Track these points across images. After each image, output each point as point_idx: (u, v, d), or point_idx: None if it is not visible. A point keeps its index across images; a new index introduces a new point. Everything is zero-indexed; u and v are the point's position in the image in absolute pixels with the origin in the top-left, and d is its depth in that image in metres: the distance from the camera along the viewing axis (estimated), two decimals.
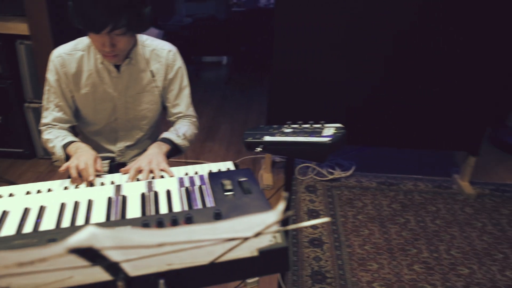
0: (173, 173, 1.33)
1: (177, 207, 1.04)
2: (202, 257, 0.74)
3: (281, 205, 0.55)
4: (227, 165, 1.36)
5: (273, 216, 0.55)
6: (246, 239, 0.64)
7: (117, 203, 1.08)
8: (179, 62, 1.63)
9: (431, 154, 3.27)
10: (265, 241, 0.72)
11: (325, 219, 0.58)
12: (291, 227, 0.65)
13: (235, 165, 1.38)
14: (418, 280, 2.07)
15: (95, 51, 1.48)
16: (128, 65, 1.52)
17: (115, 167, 1.65)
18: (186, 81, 1.68)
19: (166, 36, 4.34)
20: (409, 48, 2.42)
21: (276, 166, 2.97)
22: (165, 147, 1.52)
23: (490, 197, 2.76)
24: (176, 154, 1.62)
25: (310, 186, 2.82)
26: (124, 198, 1.10)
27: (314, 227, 2.41)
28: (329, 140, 1.15)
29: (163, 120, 1.76)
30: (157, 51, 1.59)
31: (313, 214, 2.52)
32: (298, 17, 2.36)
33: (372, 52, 2.44)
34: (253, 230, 0.58)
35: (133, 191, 1.14)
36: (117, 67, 1.51)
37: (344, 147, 3.14)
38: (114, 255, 0.62)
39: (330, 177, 2.87)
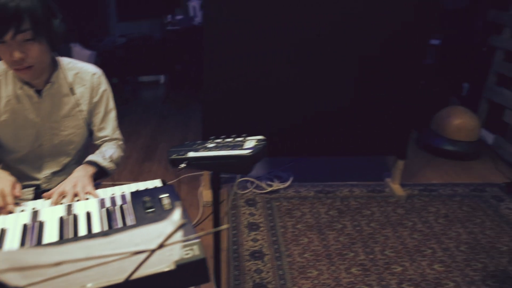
0: (99, 195, 1.31)
1: (96, 228, 1.03)
2: (115, 275, 0.74)
3: (177, 214, 0.56)
4: (155, 183, 1.36)
5: (170, 225, 0.56)
6: (153, 251, 0.65)
7: (33, 229, 1.05)
8: (104, 85, 1.62)
9: (365, 160, 3.43)
10: (177, 253, 0.73)
11: (225, 226, 0.60)
12: (192, 236, 0.67)
13: (163, 182, 1.38)
14: (355, 282, 2.15)
15: (13, 76, 1.44)
16: (50, 89, 1.48)
17: (41, 194, 1.59)
18: (112, 104, 1.67)
19: (99, 57, 4.25)
20: (336, 61, 2.54)
21: None
22: (91, 170, 1.49)
23: (419, 197, 2.94)
24: (102, 177, 1.60)
25: (250, 199, 2.85)
26: (41, 224, 1.07)
27: (254, 239, 2.43)
28: (249, 152, 1.18)
29: (92, 144, 1.73)
30: (81, 74, 1.57)
31: (253, 227, 2.55)
32: (226, 33, 2.41)
33: (300, 65, 2.53)
34: (153, 241, 0.59)
35: (51, 215, 1.11)
36: (39, 92, 1.47)
37: (282, 159, 3.23)
38: (14, 279, 0.61)
39: (269, 189, 2.92)
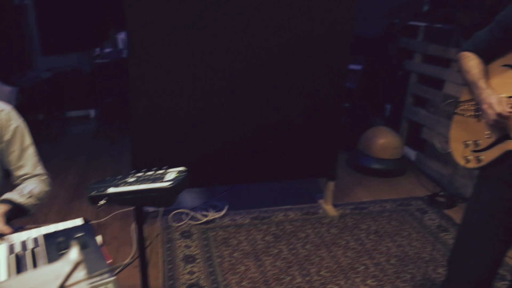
0: (11, 229, 1.24)
1: (3, 277, 0.96)
2: None
3: (73, 254, 0.55)
4: (76, 222, 1.31)
5: (66, 265, 0.55)
6: None
7: None
8: (15, 122, 1.55)
9: (299, 183, 3.51)
10: None
11: (125, 262, 0.59)
12: (96, 273, 0.65)
13: (85, 220, 1.33)
14: None
15: None
16: None
17: None
18: (28, 140, 1.60)
19: (21, 93, 4.05)
20: (261, 88, 2.62)
21: (150, 217, 2.91)
22: (3, 208, 1.40)
23: (351, 216, 3.05)
24: (21, 215, 1.50)
25: (185, 231, 2.80)
26: None
27: (191, 272, 2.38)
28: (169, 184, 1.18)
29: (12, 185, 1.62)
30: None
31: (189, 260, 2.50)
32: (151, 65, 2.42)
33: (225, 94, 2.58)
34: (51, 284, 0.57)
35: None
36: None
37: (217, 187, 3.22)
38: None
39: (205, 219, 2.89)
